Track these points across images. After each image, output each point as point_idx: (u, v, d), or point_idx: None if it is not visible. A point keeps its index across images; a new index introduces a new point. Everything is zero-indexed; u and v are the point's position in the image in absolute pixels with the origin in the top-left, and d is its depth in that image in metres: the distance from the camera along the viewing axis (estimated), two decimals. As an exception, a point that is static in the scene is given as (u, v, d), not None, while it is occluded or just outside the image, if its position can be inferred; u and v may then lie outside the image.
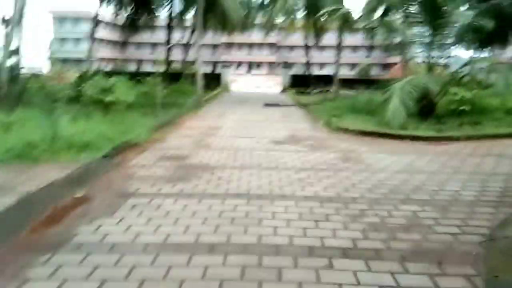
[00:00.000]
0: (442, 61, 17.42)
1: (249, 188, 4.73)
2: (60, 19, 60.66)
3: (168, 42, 19.51)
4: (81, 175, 4.95)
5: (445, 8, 12.32)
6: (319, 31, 26.55)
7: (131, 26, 19.39)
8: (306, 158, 6.49)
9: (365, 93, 18.53)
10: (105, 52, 68.03)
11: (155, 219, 3.61)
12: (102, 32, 65.48)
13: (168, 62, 19.20)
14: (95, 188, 4.61)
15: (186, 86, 21.16)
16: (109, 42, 68.99)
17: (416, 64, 35.21)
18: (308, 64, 26.27)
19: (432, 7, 12.22)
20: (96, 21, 25.15)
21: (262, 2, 26.71)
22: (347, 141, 8.15)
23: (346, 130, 9.17)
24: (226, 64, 28.57)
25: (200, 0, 14.94)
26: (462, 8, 13.90)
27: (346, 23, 23.97)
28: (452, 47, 13.97)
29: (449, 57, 14.52)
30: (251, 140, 8.02)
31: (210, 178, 5.14)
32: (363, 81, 26.06)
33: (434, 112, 10.61)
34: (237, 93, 24.99)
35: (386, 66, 68.25)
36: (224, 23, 22.28)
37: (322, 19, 25.60)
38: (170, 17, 19.13)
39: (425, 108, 10.44)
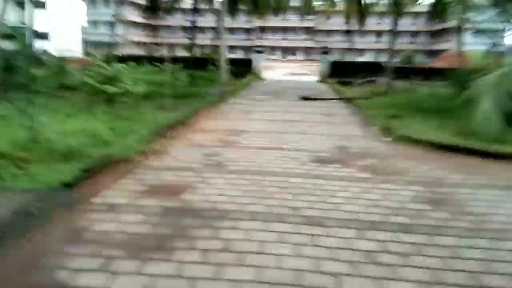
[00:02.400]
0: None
1: (283, 277, 2.48)
2: (92, 2, 60.14)
3: (193, 25, 17.34)
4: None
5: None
6: (363, 14, 23.49)
7: (152, 8, 17.37)
8: (369, 196, 4.12)
9: (423, 85, 15.67)
10: (137, 35, 67.36)
11: None
12: (134, 15, 64.92)
13: (191, 47, 17.07)
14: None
15: (213, 74, 19.01)
16: (141, 25, 68.27)
17: (470, 52, 31.12)
18: (350, 50, 23.32)
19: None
20: (121, 2, 23.51)
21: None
22: (424, 160, 5.66)
23: (416, 142, 6.65)
24: (258, 49, 26.05)
25: None
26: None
27: (397, 3, 20.91)
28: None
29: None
30: (285, 156, 5.72)
31: (211, 246, 2.93)
32: (411, 70, 22.88)
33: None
34: (269, 82, 22.56)
35: (432, 53, 63.22)
36: (256, 3, 19.77)
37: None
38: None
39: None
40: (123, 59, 23.99)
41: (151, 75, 14.85)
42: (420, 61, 53.78)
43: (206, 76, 17.73)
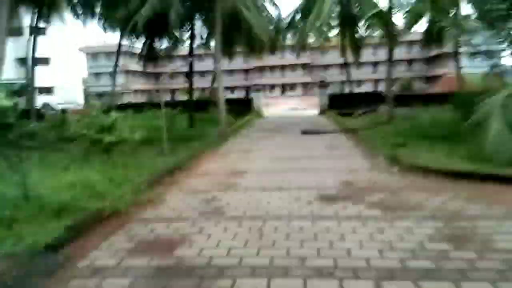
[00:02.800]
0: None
1: None
2: (93, 54, 62.14)
3: (190, 69, 17.51)
4: None
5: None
6: (358, 46, 23.87)
7: (149, 56, 17.65)
8: (383, 237, 3.72)
9: (425, 111, 15.45)
10: (138, 83, 68.97)
11: None
12: (135, 64, 66.67)
13: (191, 91, 17.12)
14: None
15: (213, 115, 19.03)
16: (142, 73, 69.98)
17: (468, 75, 31.13)
18: (348, 82, 23.47)
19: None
20: (118, 54, 24.05)
21: (291, 21, 24.45)
22: (436, 191, 5.27)
23: (425, 170, 6.28)
24: (257, 87, 26.30)
25: (217, 19, 12.63)
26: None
27: (391, 34, 21.20)
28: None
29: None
30: (288, 196, 5.35)
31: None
32: (411, 97, 22.77)
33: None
34: (270, 118, 22.52)
35: (430, 79, 63.82)
36: (252, 44, 20.09)
37: (362, 31, 23.08)
38: (191, 43, 17.15)
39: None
40: (123, 107, 24.25)
41: (150, 121, 14.80)
42: (419, 87, 54.31)
43: (206, 118, 17.69)
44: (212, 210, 4.90)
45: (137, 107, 26.14)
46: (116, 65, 24.81)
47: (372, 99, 23.43)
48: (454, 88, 29.20)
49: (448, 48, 59.81)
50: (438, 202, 4.77)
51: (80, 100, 49.46)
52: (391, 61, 13.08)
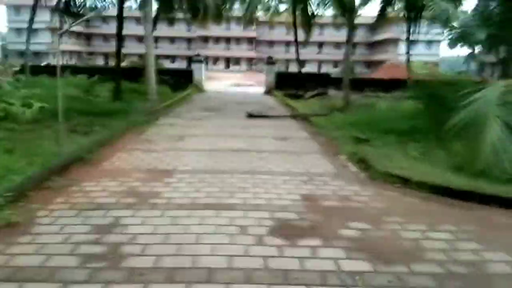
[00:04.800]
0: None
1: None
2: (16, 7, 54.23)
3: (119, 33, 14.65)
4: None
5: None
6: (309, 24, 22.34)
7: (67, 11, 14.56)
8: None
9: (379, 98, 14.46)
10: (69, 45, 62.16)
11: None
12: (67, 24, 59.70)
13: (118, 56, 14.44)
14: None
15: (145, 86, 16.58)
16: (75, 33, 63.17)
17: (406, 63, 31.16)
18: (297, 61, 21.99)
19: None
20: (34, 6, 20.18)
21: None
22: (434, 221, 3.82)
23: (406, 182, 4.88)
24: (199, 58, 23.86)
25: None
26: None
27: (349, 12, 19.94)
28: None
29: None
30: (228, 222, 3.61)
31: None
32: (354, 81, 21.77)
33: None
34: (212, 94, 20.45)
35: (370, 64, 65.05)
36: (194, 7, 17.67)
37: (314, 8, 21.56)
38: (121, 4, 14.27)
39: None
40: (38, 70, 20.57)
41: (64, 89, 12.05)
42: (359, 72, 54.82)
43: (137, 89, 15.20)
44: (100, 253, 2.99)
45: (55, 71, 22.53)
46: (31, 20, 20.90)
47: (320, 81, 22.31)
48: (395, 75, 29.33)
49: (390, 34, 60.84)
50: (442, 243, 3.33)
51: (-5, 57, 43.07)
52: (350, 42, 11.64)
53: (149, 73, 10.37)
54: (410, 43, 22.65)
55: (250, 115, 11.11)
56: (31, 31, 21.48)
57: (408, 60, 22.75)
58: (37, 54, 56.07)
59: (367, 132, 8.20)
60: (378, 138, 7.62)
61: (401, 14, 24.74)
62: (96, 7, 15.42)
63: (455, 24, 10.18)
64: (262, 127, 9.38)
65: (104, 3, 14.65)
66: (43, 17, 47.31)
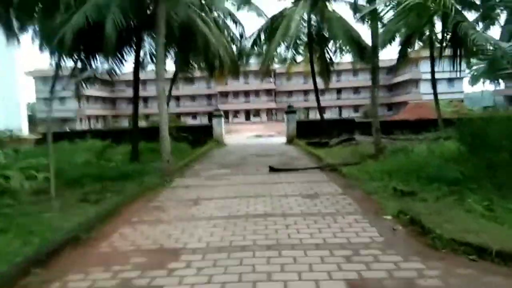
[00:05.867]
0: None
1: None
2: (43, 78, 57.25)
3: (134, 92, 14.45)
4: None
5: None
6: (328, 70, 21.89)
7: (84, 77, 14.52)
8: None
9: (411, 141, 13.32)
10: (95, 109, 64.63)
11: None
12: (92, 89, 62.62)
13: (135, 116, 14.11)
14: None
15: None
16: (100, 98, 65.83)
17: (430, 102, 29.92)
18: (319, 109, 21.28)
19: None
20: (55, 76, 20.78)
21: (256, 41, 22.06)
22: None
23: (483, 253, 3.68)
24: (217, 112, 23.58)
25: (160, 23, 9.78)
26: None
27: (363, 57, 19.44)
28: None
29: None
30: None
31: None
32: (385, 124, 20.68)
33: None
34: (232, 147, 19.77)
35: (391, 106, 64.04)
36: (211, 64, 17.50)
37: (331, 54, 21.21)
38: (137, 61, 14.21)
39: None
40: (60, 136, 20.65)
41: (76, 154, 11.57)
42: (382, 114, 53.68)
43: (156, 148, 14.62)
44: None
45: (80, 135, 22.71)
46: (52, 89, 21.39)
47: (343, 127, 21.41)
48: (421, 115, 28.11)
49: (408, 75, 60.27)
50: None
51: (24, 126, 44.64)
52: (376, 84, 10.80)
53: (162, 132, 9.71)
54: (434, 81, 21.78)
55: (272, 169, 10.14)
56: (52, 99, 21.95)
57: (436, 99, 21.71)
58: (65, 120, 58.34)
59: (409, 182, 7.07)
60: (424, 190, 6.48)
61: (422, 53, 24.06)
62: (113, 70, 15.37)
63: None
64: (286, 183, 8.35)
65: (113, 65, 14.56)
66: (71, 86, 49.39)
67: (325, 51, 21.00)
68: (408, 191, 6.39)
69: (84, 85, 15.85)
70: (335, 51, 20.92)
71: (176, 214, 6.03)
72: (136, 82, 14.33)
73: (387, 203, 5.87)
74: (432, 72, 22.18)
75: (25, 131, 40.94)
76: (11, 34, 16.05)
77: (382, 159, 9.45)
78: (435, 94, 22.75)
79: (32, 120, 52.04)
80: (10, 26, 15.12)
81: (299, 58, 25.24)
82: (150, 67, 17.77)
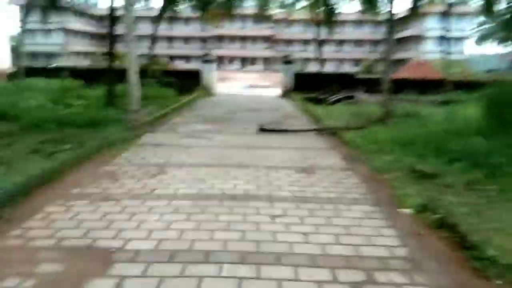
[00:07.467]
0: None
1: None
2: (29, 9, 53.08)
3: (110, 28, 12.50)
4: None
5: None
6: (332, 19, 19.77)
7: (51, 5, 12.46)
8: None
9: (424, 103, 11.87)
10: (81, 45, 61.12)
11: None
12: (79, 24, 58.70)
13: (110, 56, 12.29)
14: None
15: (149, 89, 14.44)
16: (88, 34, 62.16)
17: (433, 61, 28.18)
18: (318, 60, 19.43)
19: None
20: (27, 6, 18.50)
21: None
22: None
23: None
24: (209, 58, 21.58)
25: None
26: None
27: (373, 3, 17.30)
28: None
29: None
30: None
31: None
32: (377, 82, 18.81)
33: None
34: (221, 98, 18.14)
35: (392, 63, 61.47)
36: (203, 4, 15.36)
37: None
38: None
39: None
40: (39, 72, 18.76)
41: (31, 96, 9.90)
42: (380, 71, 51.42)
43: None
44: None
45: (57, 72, 20.72)
46: (24, 20, 19.21)
47: (343, 82, 19.74)
48: (423, 74, 26.37)
49: (411, 31, 57.26)
50: None
51: (6, 60, 41.93)
52: (392, 36, 9.09)
53: (129, 77, 8.06)
54: (439, 40, 20.04)
55: (263, 129, 8.70)
56: (23, 30, 19.85)
57: (448, 57, 19.96)
58: (50, 55, 55.18)
59: (426, 158, 5.71)
60: (448, 171, 5.12)
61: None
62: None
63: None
64: (278, 149, 6.96)
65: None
66: (55, 19, 46.10)
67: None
68: (430, 172, 5.04)
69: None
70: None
71: (131, 187, 4.63)
72: (112, 16, 12.37)
73: (404, 188, 4.54)
74: (444, 29, 20.19)
75: (6, 63, 38.49)
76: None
77: (391, 125, 8.02)
78: (447, 52, 20.95)
79: (16, 52, 49.01)
80: None
81: (300, 4, 22.93)
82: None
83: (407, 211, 4.01)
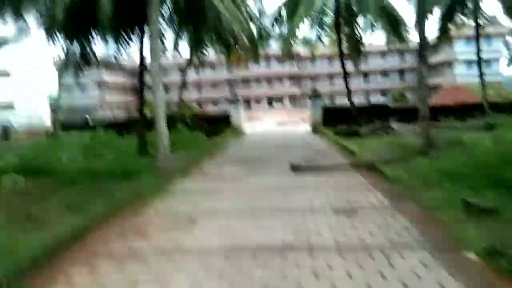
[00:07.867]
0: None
1: None
2: (66, 66, 56.78)
3: (139, 79, 12.83)
4: None
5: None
6: (358, 50, 19.51)
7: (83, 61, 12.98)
8: None
9: (464, 130, 11.18)
10: (116, 96, 64.08)
11: None
12: (111, 76, 61.85)
13: (140, 106, 12.55)
14: None
15: (180, 135, 14.56)
16: (120, 85, 65.22)
17: (467, 85, 27.05)
18: (347, 93, 19.09)
19: None
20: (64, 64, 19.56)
21: (277, 18, 19.83)
22: None
23: None
24: (235, 99, 21.78)
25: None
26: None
27: (398, 33, 17.08)
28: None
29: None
30: None
31: None
32: (409, 111, 17.67)
33: None
34: (251, 138, 18.01)
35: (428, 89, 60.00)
36: (225, 44, 15.58)
37: (361, 32, 18.80)
38: (141, 46, 12.53)
39: None
40: (75, 126, 19.51)
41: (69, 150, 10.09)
42: (411, 99, 50.40)
43: (173, 140, 13.09)
44: None
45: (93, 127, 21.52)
46: (61, 76, 20.23)
47: (375, 114, 19.22)
48: (460, 99, 25.32)
49: (442, 57, 56.23)
50: None
51: (47, 118, 44.43)
52: (425, 59, 8.68)
53: (157, 124, 8.01)
54: (469, 63, 19.39)
55: (295, 167, 8.31)
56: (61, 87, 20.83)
57: (482, 80, 19.15)
58: (87, 108, 58.06)
59: (480, 191, 5.10)
60: (509, 204, 4.51)
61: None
62: (118, 53, 13.80)
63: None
64: (313, 189, 6.52)
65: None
66: (90, 74, 48.80)
67: (354, 27, 18.62)
68: (489, 207, 4.45)
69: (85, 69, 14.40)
70: (366, 28, 18.56)
71: (158, 242, 4.32)
72: (141, 66, 12.74)
73: (463, 228, 3.97)
74: (478, 51, 19.55)
75: (46, 122, 40.73)
76: (18, 19, 14.53)
77: (435, 156, 7.43)
78: (481, 75, 20.12)
79: (55, 110, 51.98)
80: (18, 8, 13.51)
81: (324, 39, 23.02)
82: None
83: (472, 255, 3.44)
